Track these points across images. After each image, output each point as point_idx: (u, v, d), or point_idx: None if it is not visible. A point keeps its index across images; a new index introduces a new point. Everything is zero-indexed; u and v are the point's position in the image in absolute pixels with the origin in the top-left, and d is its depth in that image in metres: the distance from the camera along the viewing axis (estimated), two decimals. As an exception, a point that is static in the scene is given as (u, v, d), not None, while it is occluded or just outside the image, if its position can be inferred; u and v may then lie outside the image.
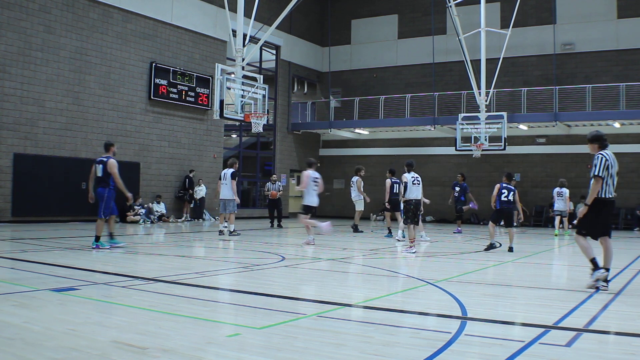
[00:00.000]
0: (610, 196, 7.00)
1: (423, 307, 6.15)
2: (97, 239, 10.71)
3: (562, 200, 17.65)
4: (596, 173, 6.96)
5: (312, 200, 12.72)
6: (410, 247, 11.60)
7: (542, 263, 10.61)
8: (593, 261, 6.99)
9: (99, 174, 10.73)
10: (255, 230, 17.55)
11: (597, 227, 7.08)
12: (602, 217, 7.05)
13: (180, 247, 12.09)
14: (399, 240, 14.28)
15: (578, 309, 5.92)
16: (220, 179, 15.10)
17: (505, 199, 12.04)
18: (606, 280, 7.01)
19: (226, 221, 15.04)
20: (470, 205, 18.76)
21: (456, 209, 18.85)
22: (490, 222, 12.38)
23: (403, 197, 12.30)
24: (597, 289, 6.88)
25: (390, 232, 15.92)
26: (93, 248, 10.61)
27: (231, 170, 14.76)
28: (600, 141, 7.17)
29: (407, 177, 12.14)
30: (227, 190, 14.66)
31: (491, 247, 12.11)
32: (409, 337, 4.61)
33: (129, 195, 11.16)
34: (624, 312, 5.90)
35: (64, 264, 8.58)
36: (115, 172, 10.66)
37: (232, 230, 14.82)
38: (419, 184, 12.15)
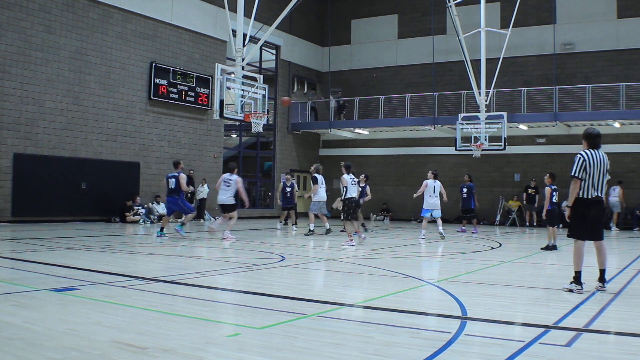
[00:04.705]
0: (591, 196, 6.85)
1: (423, 307, 6.15)
2: (182, 224, 14.06)
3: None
4: (572, 173, 6.91)
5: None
6: (349, 240, 12.44)
7: (542, 263, 10.60)
8: (577, 273, 6.88)
9: (172, 186, 13.59)
10: (256, 230, 17.55)
11: (581, 228, 6.95)
12: (587, 218, 6.89)
13: (181, 247, 12.09)
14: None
15: (578, 309, 5.92)
16: (323, 183, 16.44)
17: (555, 200, 12.11)
18: (603, 281, 7.00)
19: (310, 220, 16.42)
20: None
21: (462, 210, 19.07)
22: (551, 227, 12.40)
23: (343, 197, 12.97)
24: (572, 290, 6.86)
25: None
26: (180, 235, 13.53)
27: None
28: (589, 139, 7.03)
29: (347, 178, 12.75)
30: (324, 192, 16.36)
31: (551, 248, 12.22)
32: (409, 337, 4.61)
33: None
34: (624, 312, 5.90)
35: (64, 264, 8.58)
36: (184, 183, 13.58)
37: (311, 228, 16.24)
38: (355, 185, 12.81)
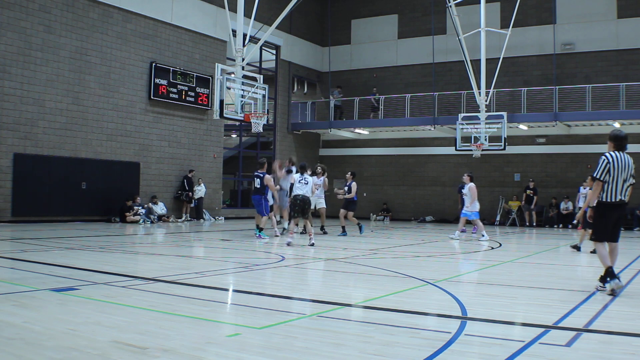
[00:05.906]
0: (614, 200, 6.74)
1: (423, 307, 6.15)
2: (260, 229, 13.92)
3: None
4: (594, 175, 6.82)
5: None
6: (289, 236, 12.57)
7: (542, 263, 10.61)
8: (609, 270, 6.69)
9: (257, 185, 13.96)
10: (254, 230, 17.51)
11: (604, 231, 6.87)
12: (607, 220, 6.82)
13: (180, 247, 12.08)
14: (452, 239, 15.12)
15: (578, 309, 5.92)
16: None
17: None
18: (604, 282, 6.97)
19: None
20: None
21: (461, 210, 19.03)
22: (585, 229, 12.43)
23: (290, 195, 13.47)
24: (614, 289, 6.65)
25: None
26: (258, 237, 13.76)
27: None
28: (615, 141, 6.90)
29: (296, 177, 13.21)
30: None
31: (577, 248, 12.26)
32: (409, 337, 4.61)
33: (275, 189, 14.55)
34: (624, 312, 5.90)
35: (64, 264, 8.58)
36: (271, 184, 13.98)
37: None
38: (306, 184, 12.90)
